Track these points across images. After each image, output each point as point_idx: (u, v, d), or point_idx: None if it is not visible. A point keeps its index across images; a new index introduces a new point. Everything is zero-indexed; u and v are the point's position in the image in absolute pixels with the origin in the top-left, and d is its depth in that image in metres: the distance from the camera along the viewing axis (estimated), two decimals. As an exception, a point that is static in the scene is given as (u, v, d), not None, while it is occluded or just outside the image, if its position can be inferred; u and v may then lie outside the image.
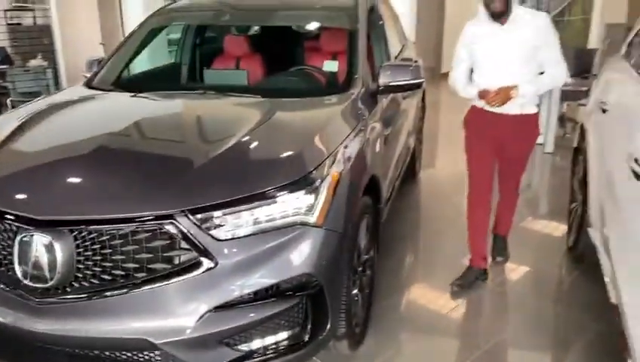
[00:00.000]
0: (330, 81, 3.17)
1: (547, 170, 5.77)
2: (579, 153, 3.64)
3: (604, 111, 3.06)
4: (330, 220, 2.06)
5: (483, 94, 2.94)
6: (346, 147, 2.33)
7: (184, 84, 3.33)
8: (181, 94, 2.84)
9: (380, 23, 3.73)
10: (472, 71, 3.08)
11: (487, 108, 2.98)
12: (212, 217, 1.89)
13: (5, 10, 9.11)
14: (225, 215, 1.90)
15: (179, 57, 4.03)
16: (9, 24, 9.18)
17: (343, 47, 3.16)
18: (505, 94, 2.86)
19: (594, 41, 12.68)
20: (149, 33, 3.49)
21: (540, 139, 6.18)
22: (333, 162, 2.17)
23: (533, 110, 3.05)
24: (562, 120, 6.52)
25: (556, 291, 3.31)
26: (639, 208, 2.10)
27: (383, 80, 2.94)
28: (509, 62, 2.89)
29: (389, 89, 2.98)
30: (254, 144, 2.23)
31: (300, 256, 1.96)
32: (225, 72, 3.46)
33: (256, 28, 3.66)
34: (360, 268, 2.53)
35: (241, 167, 2.08)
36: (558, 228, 4.05)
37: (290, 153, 2.15)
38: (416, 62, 4.58)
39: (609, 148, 2.77)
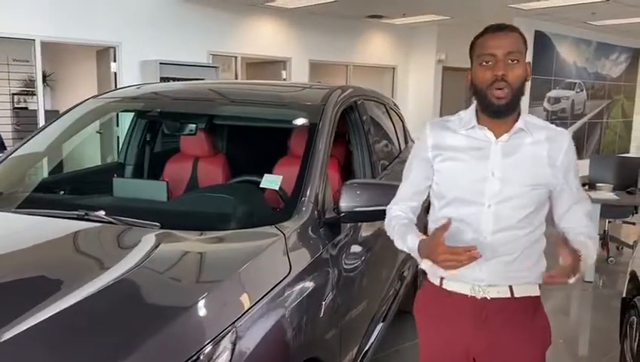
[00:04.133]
0: (270, 202, 2.29)
1: (588, 303, 4.68)
2: (631, 309, 2.63)
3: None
4: None
5: (430, 247, 1.55)
6: (247, 323, 1.43)
7: (84, 200, 2.38)
8: (53, 216, 1.99)
9: (366, 127, 2.93)
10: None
11: (446, 284, 1.66)
12: None
13: (13, 94, 8.93)
14: None
15: (123, 156, 3.31)
16: (15, 108, 8.96)
17: (299, 154, 2.34)
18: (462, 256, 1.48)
19: (636, 145, 11.80)
20: (75, 125, 2.79)
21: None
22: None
23: (534, 290, 1.67)
24: (604, 240, 5.48)
25: None
26: None
27: (345, 203, 2.08)
28: (497, 205, 1.59)
29: (354, 216, 2.12)
30: (62, 336, 1.31)
31: None
32: (140, 182, 2.67)
33: (192, 126, 2.91)
34: None
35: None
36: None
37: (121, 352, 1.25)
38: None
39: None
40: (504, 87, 1.53)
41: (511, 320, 1.63)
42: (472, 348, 1.65)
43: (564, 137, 1.63)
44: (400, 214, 1.75)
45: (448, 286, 1.66)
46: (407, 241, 1.66)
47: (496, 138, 1.60)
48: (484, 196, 1.59)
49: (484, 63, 1.56)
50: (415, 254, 1.65)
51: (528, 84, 1.63)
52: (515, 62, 1.55)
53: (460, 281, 1.63)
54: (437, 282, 1.69)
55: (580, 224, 1.66)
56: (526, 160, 1.59)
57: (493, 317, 1.62)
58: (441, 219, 1.62)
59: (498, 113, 1.57)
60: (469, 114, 1.66)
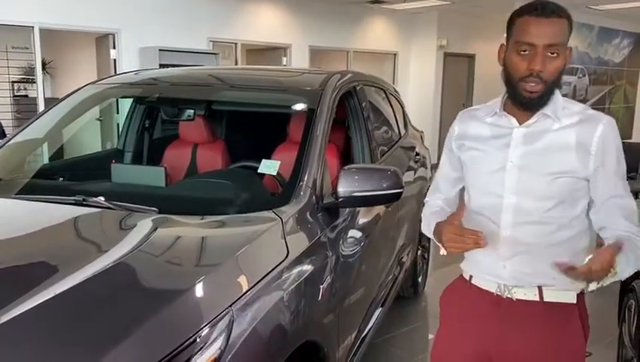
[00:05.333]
0: (268, 188, 2.30)
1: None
2: (629, 293, 2.65)
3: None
4: None
5: (443, 227, 1.50)
6: (244, 306, 1.44)
7: (85, 185, 2.41)
8: (49, 201, 2.00)
9: (365, 113, 2.92)
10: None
11: (475, 280, 1.59)
12: None
13: (12, 82, 8.92)
14: None
15: (122, 142, 3.30)
16: (15, 96, 8.95)
17: (297, 139, 2.34)
18: (467, 240, 1.42)
19: (639, 130, 11.75)
20: (73, 111, 2.79)
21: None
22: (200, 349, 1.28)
23: (568, 297, 1.53)
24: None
25: None
26: None
27: (343, 188, 2.07)
28: (517, 196, 1.49)
29: (352, 201, 2.11)
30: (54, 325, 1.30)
31: None
32: (138, 168, 2.67)
33: (190, 112, 2.91)
34: None
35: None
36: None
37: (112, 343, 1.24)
38: (417, 155, 3.76)
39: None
40: (538, 82, 1.39)
41: (536, 326, 1.50)
42: (490, 348, 1.55)
43: (597, 121, 1.44)
44: (432, 203, 1.71)
45: (476, 282, 1.59)
46: (430, 226, 1.59)
47: (520, 125, 1.49)
48: (503, 187, 1.49)
49: (521, 52, 1.40)
50: (434, 238, 1.58)
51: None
52: (555, 54, 1.39)
53: (487, 279, 1.56)
54: (467, 277, 1.63)
55: (616, 225, 1.43)
56: (549, 147, 1.45)
57: (518, 320, 1.51)
58: (471, 212, 1.57)
59: (528, 107, 1.45)
60: (498, 100, 1.55)
